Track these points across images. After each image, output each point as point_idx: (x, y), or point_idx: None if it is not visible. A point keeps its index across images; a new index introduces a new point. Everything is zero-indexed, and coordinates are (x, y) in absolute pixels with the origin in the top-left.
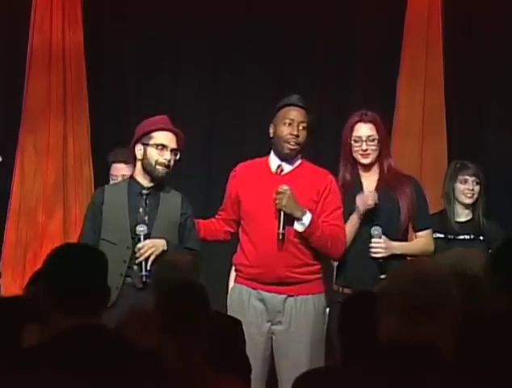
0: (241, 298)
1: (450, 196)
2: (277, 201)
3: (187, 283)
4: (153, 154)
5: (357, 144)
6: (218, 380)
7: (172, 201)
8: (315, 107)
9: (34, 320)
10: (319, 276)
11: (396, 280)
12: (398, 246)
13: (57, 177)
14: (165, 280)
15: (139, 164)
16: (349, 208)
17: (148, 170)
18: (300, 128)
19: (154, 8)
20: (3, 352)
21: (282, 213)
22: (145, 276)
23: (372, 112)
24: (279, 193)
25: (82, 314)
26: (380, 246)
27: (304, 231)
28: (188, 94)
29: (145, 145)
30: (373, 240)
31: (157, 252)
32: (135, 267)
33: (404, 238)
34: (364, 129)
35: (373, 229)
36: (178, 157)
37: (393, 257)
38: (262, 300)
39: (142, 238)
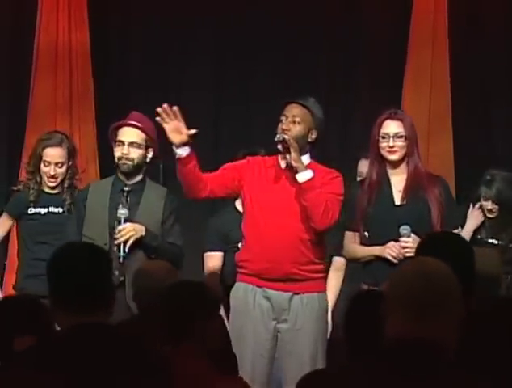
0: (246, 297)
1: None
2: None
3: (188, 283)
4: (115, 152)
5: (384, 140)
6: (219, 380)
7: (155, 198)
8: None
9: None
10: (322, 275)
11: (400, 279)
12: None
13: None
14: (144, 290)
15: None
16: (375, 208)
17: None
18: (293, 121)
19: (159, 8)
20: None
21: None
22: (123, 257)
23: (402, 111)
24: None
25: (87, 313)
26: (409, 245)
27: (306, 183)
28: (195, 93)
29: (114, 143)
30: (401, 239)
31: (136, 236)
32: (115, 248)
33: None
34: (392, 126)
35: (402, 228)
36: (150, 150)
37: None
38: (267, 298)
39: (122, 220)
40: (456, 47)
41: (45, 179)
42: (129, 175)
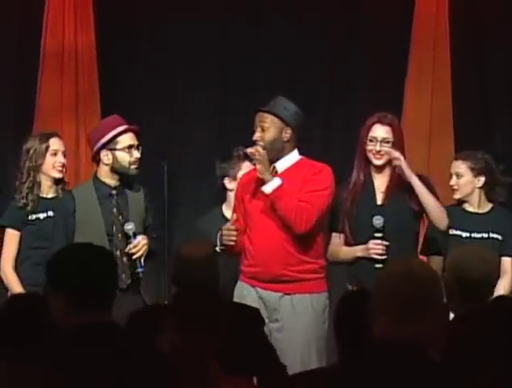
0: (242, 295)
1: None
2: (253, 154)
3: (201, 281)
4: (125, 157)
5: (372, 143)
6: (227, 380)
7: (137, 196)
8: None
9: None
10: (319, 275)
11: (385, 280)
12: (416, 182)
13: (69, 178)
14: (183, 277)
15: (106, 167)
16: (358, 208)
17: (120, 171)
18: (262, 129)
19: (165, 9)
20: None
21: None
22: (141, 271)
23: (392, 115)
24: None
25: (93, 312)
26: (379, 247)
27: (272, 193)
28: (200, 96)
29: (112, 150)
30: (371, 242)
31: (147, 247)
32: (124, 263)
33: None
34: (380, 131)
35: (375, 218)
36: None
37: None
38: (260, 298)
39: (132, 235)
40: (457, 48)
41: (50, 171)
42: (134, 177)
